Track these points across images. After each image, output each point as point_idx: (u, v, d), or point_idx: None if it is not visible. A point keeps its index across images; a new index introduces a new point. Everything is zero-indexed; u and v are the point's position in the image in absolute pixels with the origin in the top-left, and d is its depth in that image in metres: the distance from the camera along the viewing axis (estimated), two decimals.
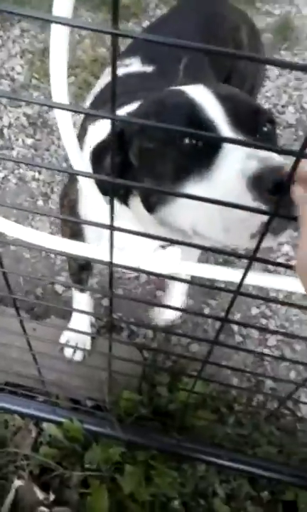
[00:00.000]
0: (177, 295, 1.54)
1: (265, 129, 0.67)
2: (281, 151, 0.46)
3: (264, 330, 1.73)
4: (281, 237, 0.60)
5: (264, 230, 0.49)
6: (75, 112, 0.45)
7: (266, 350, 1.58)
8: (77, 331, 1.30)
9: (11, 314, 1.49)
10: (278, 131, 2.24)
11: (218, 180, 0.60)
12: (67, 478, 1.19)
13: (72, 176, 0.99)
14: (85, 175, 0.51)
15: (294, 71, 2.52)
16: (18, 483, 1.17)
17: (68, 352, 1.39)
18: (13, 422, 1.29)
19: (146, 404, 1.30)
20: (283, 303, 0.65)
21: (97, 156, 0.74)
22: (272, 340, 1.61)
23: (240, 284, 0.56)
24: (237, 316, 1.65)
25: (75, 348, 1.27)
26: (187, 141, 0.64)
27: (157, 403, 1.32)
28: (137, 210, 0.76)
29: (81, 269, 1.26)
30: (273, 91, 2.40)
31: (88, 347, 1.41)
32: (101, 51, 2.36)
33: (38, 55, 2.28)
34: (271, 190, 0.54)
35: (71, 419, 1.15)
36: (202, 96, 0.66)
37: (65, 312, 1.53)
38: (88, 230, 0.98)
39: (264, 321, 1.66)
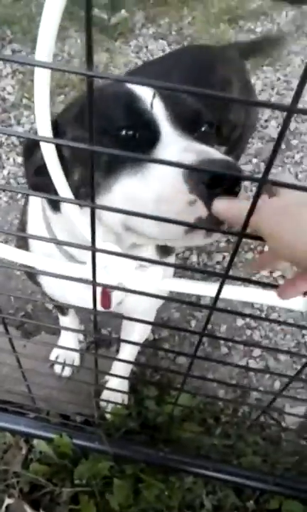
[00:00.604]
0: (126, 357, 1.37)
1: (203, 129, 0.68)
2: (246, 178, 0.50)
3: (247, 344, 1.77)
4: (212, 237, 0.61)
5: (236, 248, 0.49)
6: (60, 144, 0.48)
7: (251, 361, 1.62)
8: (66, 348, 1.33)
9: (0, 332, 1.52)
10: (260, 144, 2.32)
11: (154, 172, 0.59)
12: (57, 495, 1.22)
13: (27, 198, 0.98)
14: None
15: (276, 86, 2.60)
16: (8, 501, 1.19)
17: (58, 368, 1.43)
18: (3, 439, 1.32)
19: (134, 418, 1.34)
20: (261, 318, 0.68)
21: (28, 149, 0.72)
22: (257, 351, 1.65)
23: (215, 301, 0.59)
24: (223, 328, 1.69)
25: (64, 364, 1.31)
26: (124, 131, 0.63)
27: (145, 417, 1.36)
28: (68, 212, 0.74)
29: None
30: None
31: (77, 363, 1.45)
32: None
33: (28, 75, 2.34)
34: (207, 183, 0.53)
35: (61, 434, 1.18)
36: (142, 89, 0.66)
37: (56, 328, 1.57)
38: (35, 249, 0.95)
39: (248, 332, 1.70)
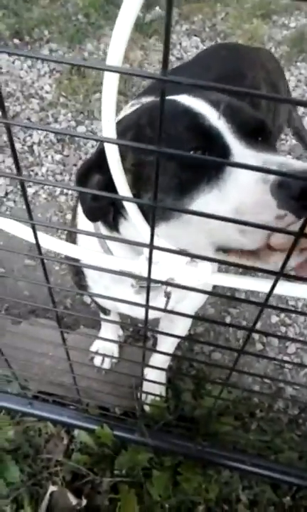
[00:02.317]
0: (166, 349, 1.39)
1: (263, 136, 0.66)
2: None
3: (284, 338, 1.78)
4: (296, 259, 0.57)
5: (291, 248, 0.47)
6: (123, 144, 0.50)
7: (285, 358, 1.63)
8: (107, 340, 1.37)
9: (42, 325, 1.57)
10: (293, 141, 2.30)
11: (234, 188, 0.57)
12: (98, 484, 1.26)
13: (77, 202, 0.98)
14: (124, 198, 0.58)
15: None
16: (52, 488, 1.24)
17: (98, 360, 1.47)
18: (45, 430, 1.36)
19: (172, 411, 1.37)
20: (301, 313, 0.68)
21: (83, 175, 0.71)
22: (292, 348, 1.66)
23: (268, 297, 0.57)
24: (258, 325, 1.70)
25: (104, 356, 1.34)
26: (193, 151, 0.61)
27: (182, 409, 1.39)
28: (130, 235, 0.74)
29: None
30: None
31: (116, 354, 1.49)
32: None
33: (65, 74, 2.38)
34: (297, 196, 0.51)
35: (102, 425, 1.22)
36: (197, 104, 0.64)
37: (94, 322, 1.61)
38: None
39: (283, 329, 1.71)
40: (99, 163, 0.69)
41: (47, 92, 2.35)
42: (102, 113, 0.51)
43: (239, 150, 0.61)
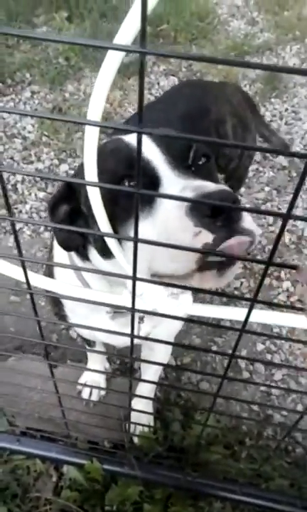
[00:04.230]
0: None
1: (200, 162, 0.73)
2: (269, 213, 0.54)
3: (270, 364, 1.80)
4: (226, 279, 0.64)
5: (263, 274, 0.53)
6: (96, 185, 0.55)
7: (272, 385, 1.65)
8: (94, 371, 1.38)
9: (30, 359, 1.58)
10: (272, 173, 2.39)
11: (161, 214, 0.63)
12: None
13: (53, 238, 1.04)
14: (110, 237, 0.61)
15: (285, 116, 2.69)
16: None
17: (85, 393, 1.48)
18: (34, 467, 1.35)
19: (161, 441, 1.36)
20: (286, 339, 0.71)
21: (53, 206, 0.79)
22: (278, 374, 1.68)
23: (245, 323, 0.61)
24: (244, 353, 1.73)
25: (92, 387, 1.35)
26: (126, 182, 0.69)
27: (172, 440, 1.39)
28: (98, 262, 0.80)
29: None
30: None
31: (103, 392, 1.49)
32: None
33: (47, 115, 2.46)
34: (209, 214, 0.57)
35: (91, 459, 1.21)
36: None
37: (81, 355, 1.61)
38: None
39: (269, 356, 1.73)
40: (65, 194, 0.79)
41: (29, 132, 2.43)
42: (85, 163, 0.55)
43: (169, 179, 0.67)
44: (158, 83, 2.77)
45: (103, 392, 1.49)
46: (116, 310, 0.93)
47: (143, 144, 0.69)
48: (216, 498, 1.25)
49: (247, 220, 0.61)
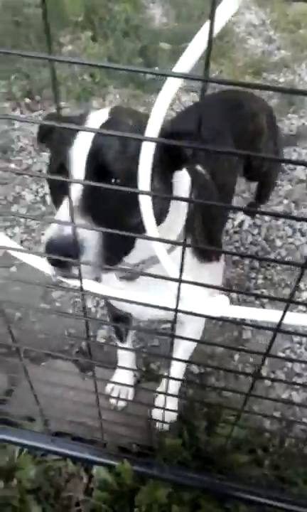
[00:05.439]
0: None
1: (112, 181, 0.78)
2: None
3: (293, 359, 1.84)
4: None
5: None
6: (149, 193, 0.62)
7: (293, 393, 1.69)
8: (119, 384, 1.45)
9: (59, 367, 1.64)
10: (290, 186, 2.45)
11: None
12: None
13: None
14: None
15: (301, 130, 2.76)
16: None
17: (113, 400, 1.53)
18: (65, 469, 1.40)
19: (188, 446, 1.41)
20: None
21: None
22: (299, 382, 1.72)
23: (279, 324, 0.65)
24: (265, 362, 1.77)
25: (118, 398, 1.41)
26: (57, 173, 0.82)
27: (197, 447, 1.43)
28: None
29: (117, 320, 1.41)
30: (284, 149, 2.63)
31: (130, 396, 1.55)
32: None
33: None
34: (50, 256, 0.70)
35: (122, 460, 1.27)
36: (82, 143, 0.78)
37: (109, 363, 1.67)
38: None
39: (289, 365, 1.77)
40: None
41: None
42: (140, 172, 0.62)
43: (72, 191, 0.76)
44: (179, 99, 2.86)
45: (131, 397, 1.55)
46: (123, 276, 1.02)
47: (80, 147, 0.79)
48: (242, 501, 1.30)
49: None
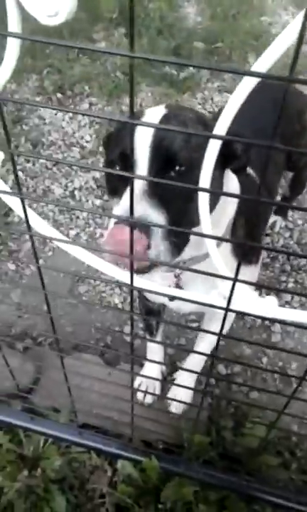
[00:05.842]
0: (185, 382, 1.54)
1: (177, 168, 0.79)
2: None
3: None
4: None
5: None
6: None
7: None
8: (148, 377, 1.43)
9: (86, 360, 1.64)
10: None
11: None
12: None
13: None
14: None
15: None
16: None
17: (140, 395, 1.52)
18: (89, 461, 1.40)
19: (215, 445, 1.40)
20: None
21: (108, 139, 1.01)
22: None
23: None
24: (294, 365, 1.74)
25: (146, 392, 1.40)
26: (117, 167, 0.84)
27: (223, 447, 1.42)
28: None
29: (149, 314, 1.40)
30: None
31: (158, 391, 1.54)
32: None
33: (104, 126, 2.56)
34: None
35: (150, 456, 1.25)
36: (143, 134, 0.79)
37: (136, 358, 1.67)
38: None
39: None
40: None
41: (87, 142, 2.53)
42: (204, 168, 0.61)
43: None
44: (212, 99, 2.84)
45: (158, 391, 1.53)
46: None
47: (142, 137, 0.79)
48: (270, 504, 1.27)
49: None
